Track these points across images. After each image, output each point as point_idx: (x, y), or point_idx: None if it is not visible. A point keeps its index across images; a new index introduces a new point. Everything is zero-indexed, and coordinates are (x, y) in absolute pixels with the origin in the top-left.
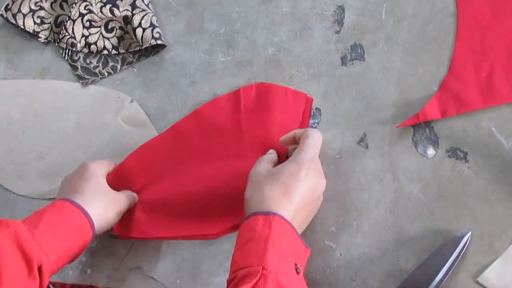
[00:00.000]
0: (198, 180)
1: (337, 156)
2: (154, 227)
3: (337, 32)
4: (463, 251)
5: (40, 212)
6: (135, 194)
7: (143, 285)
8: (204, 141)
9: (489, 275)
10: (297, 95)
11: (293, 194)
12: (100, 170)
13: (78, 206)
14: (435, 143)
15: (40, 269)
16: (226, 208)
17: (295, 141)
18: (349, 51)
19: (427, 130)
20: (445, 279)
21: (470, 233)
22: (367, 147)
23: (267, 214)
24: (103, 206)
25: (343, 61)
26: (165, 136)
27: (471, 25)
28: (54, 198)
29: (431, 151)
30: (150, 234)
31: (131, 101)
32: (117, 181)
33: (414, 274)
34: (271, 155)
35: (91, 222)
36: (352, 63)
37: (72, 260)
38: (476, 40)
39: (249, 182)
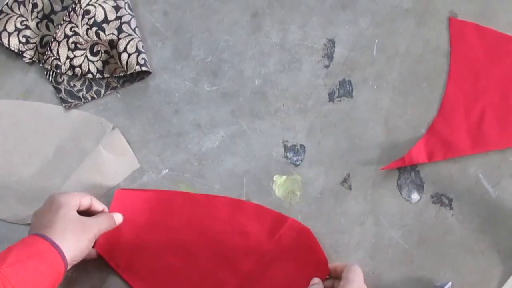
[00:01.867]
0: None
1: (319, 196)
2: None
3: (326, 66)
4: None
5: (9, 248)
6: (115, 215)
7: None
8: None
9: None
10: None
11: None
12: (68, 200)
13: (47, 240)
14: (420, 188)
15: None
16: None
17: (336, 274)
18: (337, 87)
19: (412, 174)
20: None
21: (450, 283)
22: (350, 188)
23: None
24: (74, 237)
25: (331, 97)
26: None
27: (464, 67)
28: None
29: (415, 196)
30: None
31: (113, 128)
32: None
33: None
34: (318, 285)
35: (62, 255)
36: (340, 100)
37: None
38: (468, 82)
39: None
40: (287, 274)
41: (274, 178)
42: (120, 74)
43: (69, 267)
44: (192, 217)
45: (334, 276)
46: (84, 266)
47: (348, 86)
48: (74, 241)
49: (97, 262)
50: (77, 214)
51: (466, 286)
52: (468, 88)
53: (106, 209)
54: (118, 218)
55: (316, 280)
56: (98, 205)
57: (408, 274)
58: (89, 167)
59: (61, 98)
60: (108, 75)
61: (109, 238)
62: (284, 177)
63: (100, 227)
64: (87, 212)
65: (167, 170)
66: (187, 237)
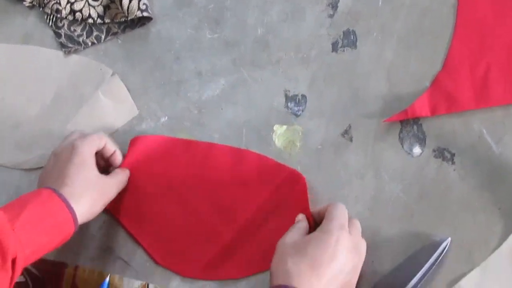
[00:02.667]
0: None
1: (319, 147)
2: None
3: (330, 16)
4: (441, 257)
5: (24, 199)
6: (127, 172)
7: (112, 265)
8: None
9: (465, 285)
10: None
11: (321, 267)
12: (90, 151)
13: (64, 201)
14: (422, 142)
15: (14, 261)
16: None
17: (320, 220)
18: (341, 37)
19: (415, 127)
20: (419, 285)
21: (449, 239)
22: (351, 140)
23: None
24: (92, 200)
25: (334, 47)
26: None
27: (471, 21)
28: (30, 169)
29: (417, 150)
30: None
31: (112, 74)
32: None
33: (387, 277)
34: (302, 223)
35: (75, 219)
36: (343, 50)
37: (50, 251)
38: (474, 37)
39: (275, 253)
40: (284, 224)
41: (274, 128)
42: (121, 20)
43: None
44: (192, 165)
45: (319, 222)
46: None
47: (352, 36)
48: (90, 207)
49: None
50: (98, 172)
51: (466, 243)
52: (474, 42)
53: (117, 151)
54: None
55: (300, 216)
56: (111, 147)
57: (407, 228)
58: (87, 113)
59: (61, 43)
60: (108, 21)
61: None
62: (285, 127)
63: (118, 187)
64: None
65: (166, 117)
66: (186, 185)
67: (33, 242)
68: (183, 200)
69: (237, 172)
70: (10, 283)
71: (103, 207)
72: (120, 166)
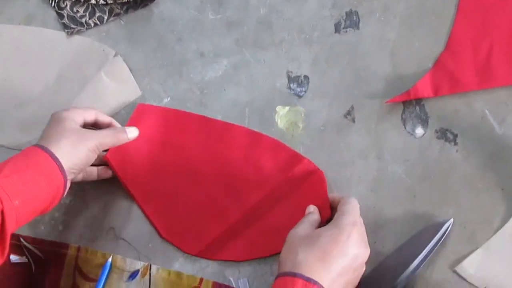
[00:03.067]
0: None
1: (321, 128)
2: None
3: None
4: (443, 238)
5: (8, 159)
6: (129, 129)
7: (114, 246)
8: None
9: (468, 265)
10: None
11: (332, 261)
12: (69, 115)
13: (44, 149)
14: (424, 122)
15: (2, 213)
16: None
17: (333, 205)
18: (344, 18)
19: (417, 108)
20: (421, 265)
21: (452, 220)
22: (353, 121)
23: (308, 280)
24: (70, 144)
25: (337, 28)
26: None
27: (473, 1)
28: None
29: (419, 131)
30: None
31: (115, 55)
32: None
33: (390, 257)
34: (313, 215)
35: (59, 164)
36: (346, 31)
37: (44, 209)
38: (477, 17)
39: (286, 242)
40: (293, 214)
41: (277, 109)
42: (124, 0)
43: (69, 179)
44: (207, 142)
45: (332, 207)
46: (82, 194)
47: (355, 17)
48: (70, 149)
49: (95, 192)
50: (77, 126)
51: (469, 223)
52: (476, 23)
53: (114, 122)
54: (133, 132)
55: (311, 208)
56: (104, 118)
57: (409, 209)
58: (90, 93)
59: (63, 23)
60: (111, 1)
61: (120, 148)
62: (287, 108)
63: (102, 140)
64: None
65: (168, 98)
66: (199, 161)
67: (21, 191)
68: (194, 175)
69: (252, 155)
70: (1, 235)
71: (90, 154)
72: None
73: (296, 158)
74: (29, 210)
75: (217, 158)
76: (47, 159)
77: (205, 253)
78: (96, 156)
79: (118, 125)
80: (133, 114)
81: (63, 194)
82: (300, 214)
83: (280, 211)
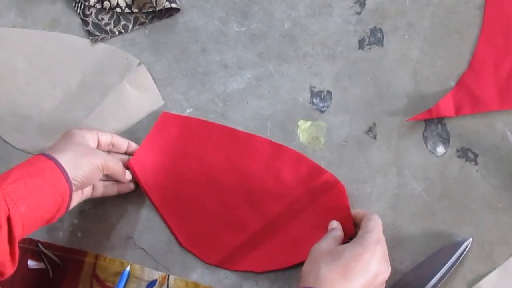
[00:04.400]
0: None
1: (343, 143)
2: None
3: (358, 13)
4: (461, 257)
5: (14, 167)
6: (127, 175)
7: (132, 255)
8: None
9: (485, 285)
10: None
11: (353, 278)
12: (83, 133)
13: (49, 157)
14: (445, 141)
15: (9, 218)
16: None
17: (356, 221)
18: (368, 34)
19: (439, 126)
20: (439, 284)
21: (470, 239)
22: (375, 137)
23: None
24: (74, 155)
25: (361, 44)
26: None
27: (497, 21)
28: None
29: (440, 149)
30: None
31: (138, 64)
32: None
33: (408, 275)
34: (337, 231)
35: (63, 171)
36: (370, 48)
37: (51, 217)
38: (500, 37)
39: (309, 257)
40: (312, 226)
41: (299, 123)
42: (149, 10)
43: (75, 190)
44: (229, 152)
45: (354, 223)
46: (102, 202)
47: (379, 34)
48: (73, 159)
49: (115, 200)
50: (85, 142)
51: (487, 243)
52: (500, 43)
53: (131, 144)
54: (128, 175)
55: (334, 224)
56: (121, 141)
57: (428, 227)
58: (112, 101)
59: (88, 31)
60: (136, 10)
61: (143, 156)
62: (309, 122)
63: (108, 162)
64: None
65: (191, 109)
66: (220, 171)
67: (26, 197)
68: (215, 185)
69: (273, 166)
70: (10, 241)
71: (94, 170)
72: (148, 136)
73: (317, 171)
74: (35, 217)
75: (238, 169)
76: (52, 166)
77: (224, 263)
78: (101, 175)
79: (134, 145)
80: (157, 122)
81: (68, 203)
82: (320, 227)
83: (300, 223)
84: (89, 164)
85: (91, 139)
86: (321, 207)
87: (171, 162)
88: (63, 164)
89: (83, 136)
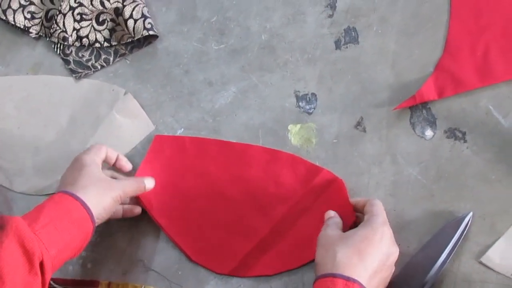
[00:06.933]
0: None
1: (334, 141)
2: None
3: (330, 16)
4: (465, 232)
5: (39, 206)
6: (147, 180)
7: (144, 277)
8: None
9: (492, 255)
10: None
11: (368, 259)
12: (92, 158)
13: (74, 197)
14: (433, 124)
15: (42, 264)
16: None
17: (357, 210)
18: (343, 35)
19: (424, 111)
20: (448, 261)
21: (471, 213)
22: (364, 130)
23: (348, 279)
24: (98, 193)
25: (337, 45)
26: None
27: (465, 4)
28: (51, 194)
29: (429, 133)
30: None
31: (125, 93)
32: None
33: (416, 257)
34: (336, 218)
35: (90, 212)
36: (347, 47)
37: (74, 255)
38: (470, 19)
39: (319, 245)
40: (318, 223)
41: (289, 127)
42: (128, 41)
43: (97, 225)
44: (227, 164)
45: (356, 211)
46: (109, 230)
47: (353, 33)
48: (97, 197)
49: (121, 226)
50: (102, 173)
51: (488, 215)
52: (470, 24)
53: (121, 156)
54: (150, 183)
55: (331, 213)
56: (112, 153)
57: (429, 208)
58: (105, 133)
59: (70, 69)
60: (115, 43)
61: None
62: (299, 125)
63: (125, 189)
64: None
65: (182, 129)
66: (221, 183)
67: (56, 242)
68: (218, 197)
69: (271, 171)
70: (43, 284)
71: (114, 204)
72: (144, 160)
73: (314, 169)
74: (63, 257)
75: (238, 178)
76: (78, 207)
77: (237, 271)
78: (118, 205)
79: (124, 158)
80: (151, 146)
81: (90, 239)
82: (323, 221)
83: (306, 222)
84: (110, 199)
85: (98, 161)
86: (323, 204)
87: (171, 181)
88: (87, 203)
89: (96, 164)
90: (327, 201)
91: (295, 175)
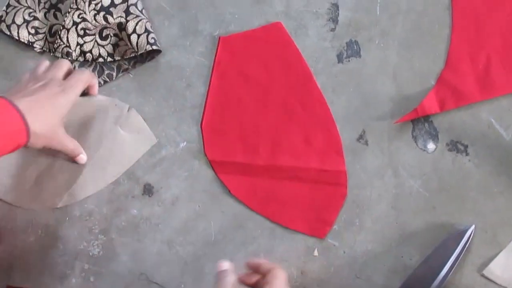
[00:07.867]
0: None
1: None
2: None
3: (332, 29)
4: (467, 244)
5: None
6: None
7: None
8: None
9: (494, 267)
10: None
11: None
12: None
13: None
14: (434, 137)
15: None
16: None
17: (258, 272)
18: (345, 48)
19: (426, 124)
20: (450, 273)
21: (473, 226)
22: (366, 143)
23: None
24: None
25: (339, 58)
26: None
27: (465, 17)
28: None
29: (431, 145)
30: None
31: (128, 109)
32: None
33: (419, 269)
34: (230, 277)
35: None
36: (349, 60)
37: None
38: (471, 32)
39: None
40: (303, 200)
41: None
42: (131, 56)
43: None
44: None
45: (259, 272)
46: (110, 243)
47: (355, 46)
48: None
49: (123, 240)
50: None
51: (489, 227)
52: (471, 37)
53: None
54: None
55: (226, 265)
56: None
57: (431, 221)
58: (108, 148)
59: None
60: (119, 58)
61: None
62: None
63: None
64: None
65: (184, 142)
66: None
67: None
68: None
69: (311, 131)
70: None
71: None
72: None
73: (338, 162)
74: None
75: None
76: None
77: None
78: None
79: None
80: (219, 47)
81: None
82: (310, 207)
83: (296, 188)
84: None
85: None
86: (319, 190)
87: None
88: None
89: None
90: (324, 192)
91: (322, 150)
